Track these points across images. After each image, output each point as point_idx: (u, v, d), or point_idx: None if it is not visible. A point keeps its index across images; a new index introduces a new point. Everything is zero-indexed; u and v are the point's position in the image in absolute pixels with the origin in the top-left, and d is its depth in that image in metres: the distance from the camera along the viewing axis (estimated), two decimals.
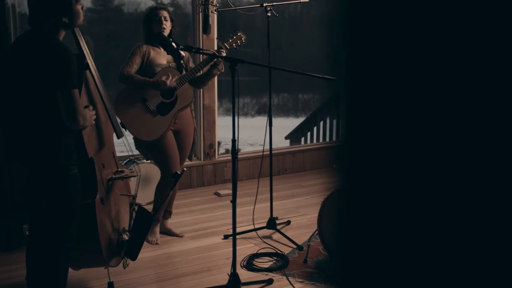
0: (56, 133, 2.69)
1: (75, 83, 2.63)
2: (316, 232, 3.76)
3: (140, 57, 3.98)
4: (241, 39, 4.10)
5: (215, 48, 5.24)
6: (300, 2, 4.41)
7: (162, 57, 4.06)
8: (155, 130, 4.03)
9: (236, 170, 3.36)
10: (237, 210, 3.44)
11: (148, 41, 4.06)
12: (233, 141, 3.35)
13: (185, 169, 3.69)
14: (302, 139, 7.30)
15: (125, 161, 4.81)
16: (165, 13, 4.02)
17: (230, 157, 5.70)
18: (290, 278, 3.63)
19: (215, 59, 4.00)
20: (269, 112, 4.30)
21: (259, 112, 17.38)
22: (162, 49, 4.06)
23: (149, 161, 4.91)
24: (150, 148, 4.14)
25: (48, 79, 2.60)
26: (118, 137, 3.36)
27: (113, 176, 3.20)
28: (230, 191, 5.38)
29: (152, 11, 4.05)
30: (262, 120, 14.52)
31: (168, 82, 3.90)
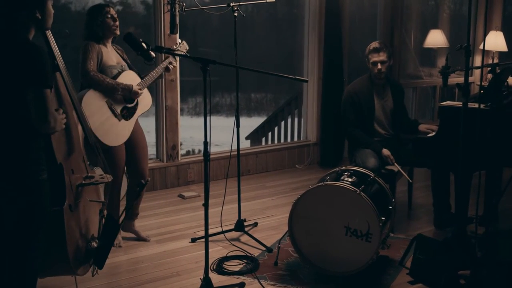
0: (25, 136, 2.56)
1: (48, 82, 2.52)
2: (287, 233, 3.73)
3: (96, 54, 3.84)
4: (186, 48, 4.19)
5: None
6: (266, 2, 4.38)
7: (112, 57, 3.96)
8: (120, 135, 3.94)
9: (208, 173, 3.29)
10: (204, 212, 3.37)
11: (94, 38, 3.88)
12: (205, 143, 3.27)
13: (148, 179, 3.64)
14: (263, 139, 7.27)
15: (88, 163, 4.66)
16: (114, 12, 3.93)
17: (193, 159, 5.71)
18: (262, 281, 3.60)
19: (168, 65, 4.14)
20: (236, 113, 4.25)
21: (211, 112, 17.26)
22: (108, 48, 3.94)
23: None
24: (104, 152, 4.04)
25: (18, 77, 2.47)
26: (90, 142, 3.24)
27: (83, 182, 3.07)
28: (194, 193, 5.35)
29: (102, 8, 3.89)
30: (215, 119, 14.39)
31: (140, 93, 3.96)
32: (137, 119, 4.16)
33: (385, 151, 4.42)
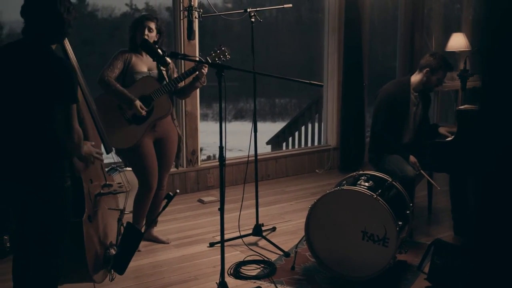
0: (51, 146, 2.62)
1: (76, 98, 2.58)
2: (304, 238, 3.73)
3: (122, 62, 3.95)
4: (225, 53, 4.03)
5: (197, 54, 5.21)
6: (283, 7, 4.40)
7: (143, 65, 4.02)
8: (127, 138, 3.98)
9: (224, 178, 3.32)
10: (220, 217, 3.38)
11: (132, 48, 4.02)
12: (221, 148, 3.30)
13: (177, 191, 3.56)
14: (284, 144, 7.28)
15: (107, 169, 4.73)
16: (151, 24, 3.97)
17: (212, 164, 5.74)
18: (279, 286, 3.60)
19: (197, 72, 4.01)
20: (253, 118, 4.27)
21: (236, 117, 17.34)
22: (144, 56, 4.02)
23: (130, 169, 4.84)
24: (128, 156, 4.09)
25: (48, 91, 2.54)
26: (107, 152, 3.29)
27: (101, 191, 3.10)
28: (214, 198, 5.38)
29: (139, 19, 4.00)
30: (239, 125, 14.45)
31: (142, 111, 3.92)
32: (176, 128, 4.21)
33: (412, 158, 4.31)
